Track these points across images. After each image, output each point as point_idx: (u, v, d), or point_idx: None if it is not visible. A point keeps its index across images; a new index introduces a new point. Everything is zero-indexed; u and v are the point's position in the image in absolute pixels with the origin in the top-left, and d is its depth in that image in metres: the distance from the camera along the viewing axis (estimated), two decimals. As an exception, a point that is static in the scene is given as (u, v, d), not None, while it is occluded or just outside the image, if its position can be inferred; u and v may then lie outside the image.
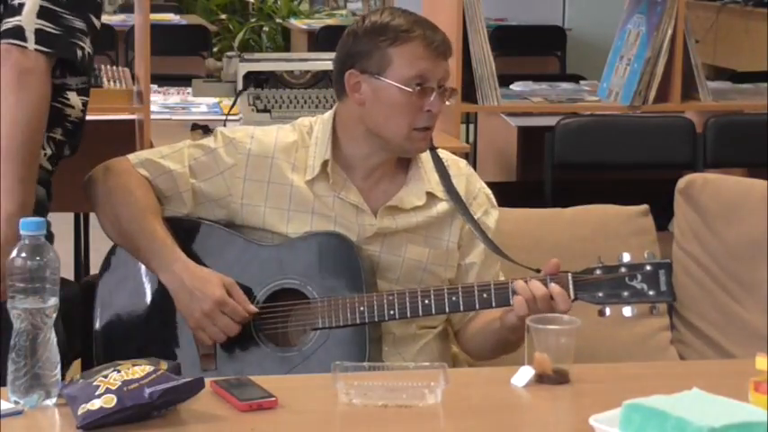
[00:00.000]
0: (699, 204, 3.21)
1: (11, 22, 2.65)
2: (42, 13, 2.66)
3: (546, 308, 2.49)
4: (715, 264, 3.18)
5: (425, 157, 2.74)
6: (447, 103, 2.67)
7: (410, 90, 2.60)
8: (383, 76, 2.62)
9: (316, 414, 2.22)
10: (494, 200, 2.80)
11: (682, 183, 3.26)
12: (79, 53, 2.70)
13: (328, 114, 2.73)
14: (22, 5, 2.65)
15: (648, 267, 2.53)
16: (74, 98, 2.79)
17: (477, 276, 2.72)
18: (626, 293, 2.52)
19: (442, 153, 2.78)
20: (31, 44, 2.63)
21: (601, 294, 2.53)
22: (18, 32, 2.64)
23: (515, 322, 2.53)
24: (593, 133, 4.90)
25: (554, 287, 2.51)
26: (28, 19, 2.65)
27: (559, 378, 2.31)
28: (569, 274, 2.54)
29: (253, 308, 2.57)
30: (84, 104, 2.83)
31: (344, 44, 2.69)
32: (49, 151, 2.74)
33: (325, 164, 2.67)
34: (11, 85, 2.63)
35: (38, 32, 2.64)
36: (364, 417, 2.18)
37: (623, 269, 2.53)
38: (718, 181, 3.31)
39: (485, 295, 2.55)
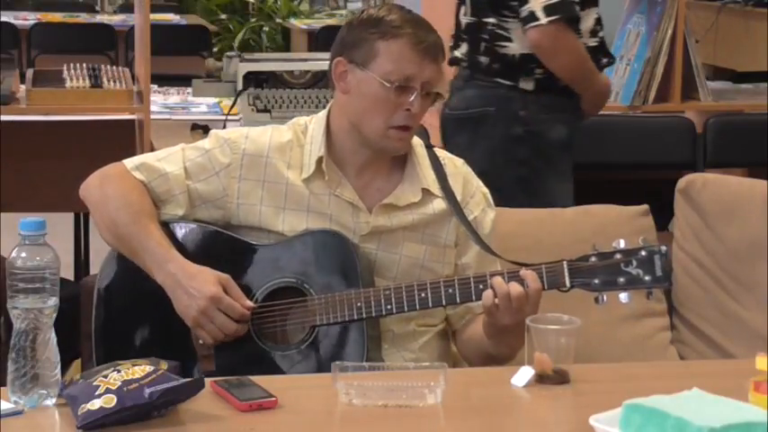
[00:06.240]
0: (699, 204, 3.21)
1: (525, 11, 3.72)
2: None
3: (516, 295, 2.47)
4: (715, 264, 3.18)
5: (422, 154, 2.74)
6: (432, 108, 2.66)
7: (389, 85, 2.60)
8: (368, 67, 2.62)
9: (316, 414, 2.22)
10: (491, 199, 2.80)
11: (682, 183, 3.25)
12: (577, 8, 3.76)
13: (323, 112, 2.74)
14: None
15: (643, 253, 2.51)
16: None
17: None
18: (622, 280, 2.51)
19: (439, 152, 2.78)
20: (543, 19, 3.69)
21: (597, 281, 2.52)
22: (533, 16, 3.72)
23: (487, 322, 2.54)
24: (594, 133, 4.89)
25: (524, 271, 2.51)
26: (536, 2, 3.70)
27: (559, 378, 2.32)
28: (564, 262, 2.53)
29: (249, 303, 2.57)
30: None
31: (339, 34, 2.70)
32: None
33: (320, 161, 2.67)
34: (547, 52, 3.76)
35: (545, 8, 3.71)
36: (364, 417, 2.18)
37: (618, 255, 2.52)
38: (718, 181, 3.30)
39: (481, 286, 2.55)
